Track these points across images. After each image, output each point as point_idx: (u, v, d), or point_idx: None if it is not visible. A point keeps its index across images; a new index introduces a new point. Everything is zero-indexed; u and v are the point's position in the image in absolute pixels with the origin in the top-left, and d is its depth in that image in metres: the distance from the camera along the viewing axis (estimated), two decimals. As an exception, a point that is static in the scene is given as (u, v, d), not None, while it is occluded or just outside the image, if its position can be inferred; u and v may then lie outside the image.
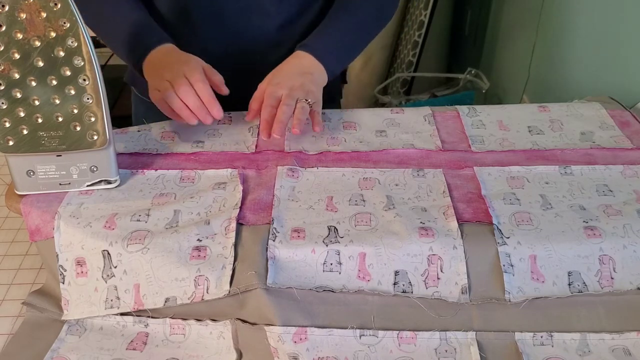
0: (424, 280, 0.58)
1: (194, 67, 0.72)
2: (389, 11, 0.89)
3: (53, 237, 0.61)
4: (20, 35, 0.55)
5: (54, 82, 0.57)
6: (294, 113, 0.73)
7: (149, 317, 0.60)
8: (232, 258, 0.58)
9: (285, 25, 0.86)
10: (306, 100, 0.74)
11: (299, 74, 0.77)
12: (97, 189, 0.66)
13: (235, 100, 0.77)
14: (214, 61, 0.76)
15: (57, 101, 0.58)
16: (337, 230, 0.60)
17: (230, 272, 0.57)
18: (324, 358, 0.55)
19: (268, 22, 0.85)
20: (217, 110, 0.71)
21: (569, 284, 0.57)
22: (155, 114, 0.77)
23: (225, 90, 0.75)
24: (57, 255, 0.61)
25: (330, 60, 0.80)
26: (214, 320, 0.58)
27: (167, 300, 0.58)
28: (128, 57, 0.79)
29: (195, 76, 0.71)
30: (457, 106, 0.83)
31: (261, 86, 0.78)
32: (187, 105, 0.71)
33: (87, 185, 0.65)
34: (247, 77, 0.78)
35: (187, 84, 0.70)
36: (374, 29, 0.88)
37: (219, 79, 0.74)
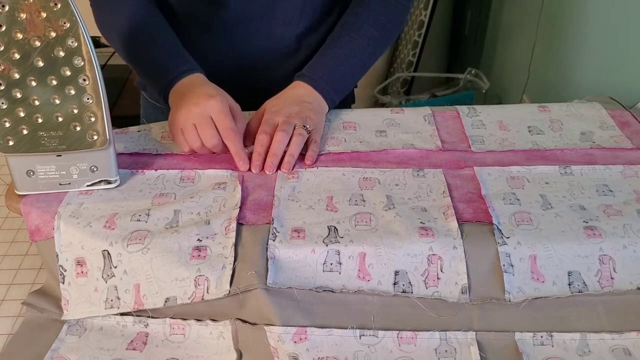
0: (424, 280, 0.58)
1: (220, 107, 0.69)
2: (393, 32, 0.85)
3: (53, 237, 0.61)
4: (20, 35, 0.55)
5: (54, 82, 0.57)
6: (289, 144, 0.71)
7: (149, 317, 0.60)
8: (232, 258, 0.58)
9: (305, 33, 0.87)
10: (304, 126, 0.72)
11: (298, 102, 0.75)
12: (97, 189, 0.66)
13: (246, 103, 0.76)
14: (231, 66, 0.75)
15: (57, 101, 0.58)
16: (337, 230, 0.60)
17: (231, 272, 0.57)
18: (324, 358, 0.55)
19: (289, 31, 0.85)
20: (244, 164, 0.69)
21: (569, 284, 0.57)
22: (166, 119, 0.77)
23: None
24: (57, 255, 0.61)
25: (328, 91, 0.78)
26: (214, 320, 0.58)
27: (167, 300, 0.58)
28: (155, 83, 0.77)
29: (225, 123, 0.69)
30: (457, 106, 0.83)
31: (256, 115, 0.76)
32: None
33: (87, 185, 0.65)
34: (261, 82, 0.78)
35: (214, 134, 0.68)
36: (376, 52, 0.85)
37: (240, 126, 0.72)
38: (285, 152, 0.70)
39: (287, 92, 0.78)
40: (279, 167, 0.70)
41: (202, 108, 0.69)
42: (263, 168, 0.69)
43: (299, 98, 0.76)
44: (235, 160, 0.69)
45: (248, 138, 0.74)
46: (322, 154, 0.73)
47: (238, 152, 0.69)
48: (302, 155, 0.72)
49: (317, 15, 0.86)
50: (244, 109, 0.74)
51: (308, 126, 0.72)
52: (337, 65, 0.80)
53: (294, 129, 0.72)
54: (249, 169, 0.69)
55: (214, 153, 0.72)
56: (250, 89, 0.80)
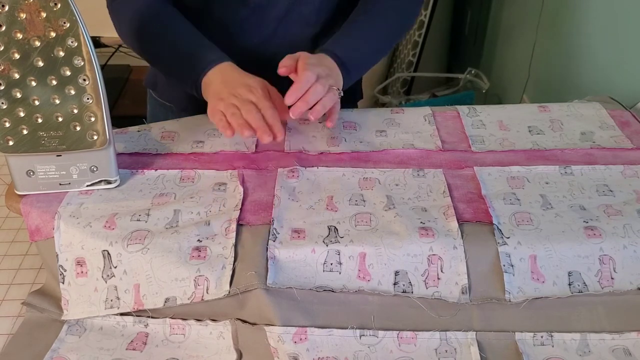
0: (424, 280, 0.58)
1: (261, 95, 0.71)
2: (411, 17, 0.86)
3: (53, 237, 0.61)
4: (20, 35, 0.55)
5: (54, 82, 0.57)
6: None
7: (149, 317, 0.60)
8: (232, 258, 0.58)
9: (321, 34, 0.87)
10: (337, 89, 0.73)
11: (329, 68, 0.75)
12: (97, 189, 0.66)
13: None
14: (246, 65, 0.75)
15: (57, 101, 0.58)
16: (337, 230, 0.60)
17: (230, 272, 0.57)
18: (324, 358, 0.55)
19: (307, 31, 0.86)
20: (281, 133, 0.69)
21: (569, 284, 0.57)
22: (175, 117, 0.76)
23: (286, 117, 0.73)
24: (57, 255, 0.61)
25: (347, 68, 0.77)
26: (214, 320, 0.58)
27: (167, 300, 0.58)
28: (185, 77, 0.77)
29: (264, 103, 0.70)
30: (457, 106, 0.83)
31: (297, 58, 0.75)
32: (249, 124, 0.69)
33: (87, 185, 0.65)
34: (274, 81, 0.77)
35: (255, 109, 0.69)
36: (395, 37, 0.86)
37: (283, 106, 0.72)
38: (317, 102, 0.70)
39: (317, 55, 0.77)
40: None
41: (244, 97, 0.70)
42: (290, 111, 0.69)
43: (328, 66, 0.76)
44: (272, 129, 0.69)
45: (284, 67, 0.74)
46: (322, 154, 0.73)
47: (274, 124, 0.69)
48: (303, 155, 0.72)
49: (333, 15, 0.86)
50: None
51: (340, 90, 0.73)
52: (359, 45, 0.80)
53: (329, 87, 0.72)
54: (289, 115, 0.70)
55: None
56: None
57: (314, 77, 0.70)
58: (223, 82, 0.73)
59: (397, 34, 0.86)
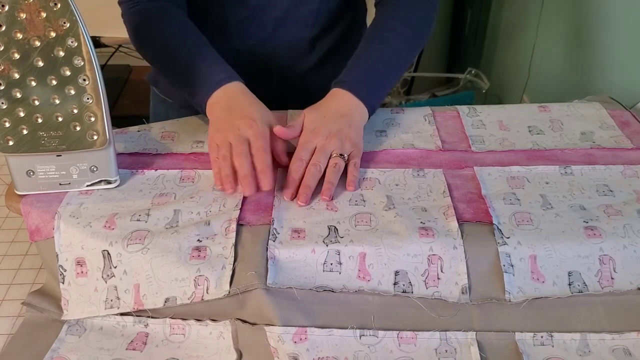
0: (424, 280, 0.58)
1: (260, 131, 0.66)
2: (424, 30, 0.82)
3: (53, 237, 0.61)
4: (20, 35, 0.55)
5: (54, 82, 0.57)
6: (325, 170, 0.67)
7: (149, 317, 0.60)
8: (232, 258, 0.58)
9: (320, 35, 0.86)
10: (341, 155, 0.68)
11: (338, 117, 0.71)
12: (97, 189, 0.66)
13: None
14: (244, 66, 0.74)
15: (57, 101, 0.58)
16: (337, 230, 0.60)
17: (230, 272, 0.57)
18: (324, 358, 0.55)
19: (304, 33, 0.85)
20: (267, 183, 0.64)
21: (569, 284, 0.57)
22: (176, 115, 0.75)
23: (283, 160, 0.70)
24: (57, 255, 0.61)
25: (369, 97, 0.74)
26: (214, 320, 0.58)
27: (167, 300, 0.58)
28: (192, 93, 0.74)
29: (258, 143, 0.65)
30: (457, 106, 0.83)
31: (296, 124, 0.71)
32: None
33: (87, 185, 0.65)
34: (274, 82, 0.77)
35: (246, 154, 0.65)
36: (410, 52, 0.81)
37: (281, 148, 0.69)
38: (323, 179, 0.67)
39: (327, 102, 0.73)
40: (313, 196, 0.65)
41: (242, 132, 0.66)
42: (296, 197, 0.65)
43: (338, 112, 0.71)
44: (259, 178, 0.65)
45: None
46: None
47: (262, 171, 0.65)
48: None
49: (331, 17, 0.86)
50: None
51: (345, 153, 0.68)
52: (375, 68, 0.76)
53: (330, 157, 0.68)
54: (284, 196, 0.65)
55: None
56: (264, 88, 0.80)
57: (306, 156, 0.67)
58: (227, 108, 0.70)
59: (416, 45, 0.81)
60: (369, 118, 0.75)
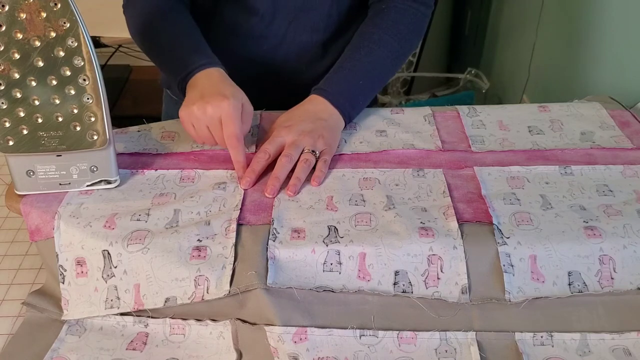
0: (424, 280, 0.58)
1: (232, 115, 0.67)
2: (412, 42, 0.82)
3: (53, 237, 0.61)
4: (20, 35, 0.55)
5: (54, 82, 0.57)
6: (295, 165, 0.68)
7: (149, 317, 0.60)
8: (232, 258, 0.58)
9: (332, 39, 0.86)
10: (313, 151, 0.69)
11: (314, 118, 0.72)
12: (97, 189, 0.66)
13: (271, 106, 0.76)
14: (257, 70, 0.74)
15: (57, 101, 0.58)
16: (337, 230, 0.60)
17: (231, 272, 0.57)
18: (324, 358, 0.55)
19: (315, 37, 0.85)
20: (243, 173, 0.67)
21: (569, 284, 0.57)
22: None
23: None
24: (57, 255, 0.61)
25: (345, 107, 0.75)
26: (214, 320, 0.58)
27: (167, 300, 0.58)
28: (172, 74, 0.75)
29: (230, 130, 0.67)
30: (457, 106, 0.83)
31: (271, 128, 0.73)
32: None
33: (87, 185, 0.65)
34: (287, 86, 0.77)
35: (221, 133, 0.68)
36: (395, 64, 0.81)
37: (246, 128, 0.70)
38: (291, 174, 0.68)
39: (304, 106, 0.75)
40: (281, 189, 0.66)
41: (213, 109, 0.67)
42: (252, 185, 0.66)
43: (314, 114, 0.73)
44: (235, 168, 0.68)
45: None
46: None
47: (238, 161, 0.68)
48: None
49: (343, 21, 0.86)
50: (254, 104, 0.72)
51: (317, 150, 0.69)
52: (356, 79, 0.77)
53: (302, 152, 0.69)
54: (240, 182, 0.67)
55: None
56: (276, 93, 0.80)
57: (272, 150, 0.68)
58: (203, 88, 0.70)
59: (401, 57, 0.82)
60: (345, 126, 0.76)
